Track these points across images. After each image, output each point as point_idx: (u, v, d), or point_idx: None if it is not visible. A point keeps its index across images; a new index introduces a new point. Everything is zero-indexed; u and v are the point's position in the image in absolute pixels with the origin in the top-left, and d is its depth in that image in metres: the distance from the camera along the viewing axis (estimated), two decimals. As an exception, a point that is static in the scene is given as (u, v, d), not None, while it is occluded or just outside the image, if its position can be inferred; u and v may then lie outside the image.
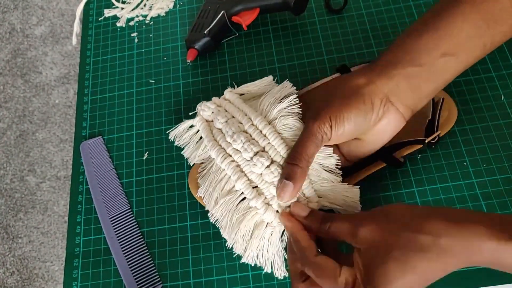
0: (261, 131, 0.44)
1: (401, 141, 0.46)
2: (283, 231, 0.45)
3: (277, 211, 0.43)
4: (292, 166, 0.40)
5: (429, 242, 0.33)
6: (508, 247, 0.32)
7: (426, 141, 0.45)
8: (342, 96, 0.40)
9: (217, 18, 0.58)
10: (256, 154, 0.43)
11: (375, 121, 0.40)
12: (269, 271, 0.45)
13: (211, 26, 0.58)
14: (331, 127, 0.39)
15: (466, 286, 0.43)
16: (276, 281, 0.46)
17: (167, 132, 0.50)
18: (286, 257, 0.45)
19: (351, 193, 0.43)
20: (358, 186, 0.43)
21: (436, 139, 0.45)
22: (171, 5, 0.65)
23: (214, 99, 0.49)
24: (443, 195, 0.47)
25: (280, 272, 0.44)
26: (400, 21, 0.58)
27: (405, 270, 0.33)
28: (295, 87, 0.46)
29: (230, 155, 0.44)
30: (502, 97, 0.51)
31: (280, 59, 0.58)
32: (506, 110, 0.50)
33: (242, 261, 0.44)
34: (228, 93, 0.49)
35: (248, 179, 0.43)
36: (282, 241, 0.45)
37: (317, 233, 0.40)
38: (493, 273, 0.43)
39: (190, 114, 0.52)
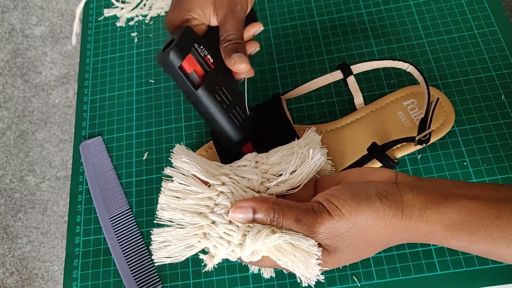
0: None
1: (393, 140, 0.46)
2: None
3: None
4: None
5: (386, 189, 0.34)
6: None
7: (417, 138, 0.45)
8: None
9: None
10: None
11: None
12: (256, 271, 0.45)
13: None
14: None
15: (466, 286, 0.43)
16: (276, 281, 0.46)
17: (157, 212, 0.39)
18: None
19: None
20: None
21: (427, 136, 0.45)
22: (170, 5, 0.65)
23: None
24: (443, 195, 0.47)
25: (268, 272, 0.44)
26: (400, 21, 0.58)
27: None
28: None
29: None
30: (502, 96, 0.51)
31: (280, 59, 0.58)
32: (507, 109, 0.50)
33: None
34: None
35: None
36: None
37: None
38: (493, 273, 0.43)
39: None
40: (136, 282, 0.48)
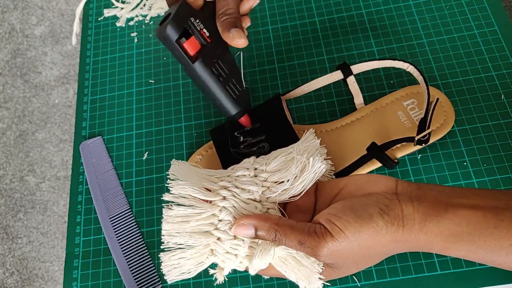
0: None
1: (392, 140, 0.46)
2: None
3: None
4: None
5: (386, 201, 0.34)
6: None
7: (416, 138, 0.45)
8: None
9: None
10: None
11: None
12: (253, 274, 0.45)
13: None
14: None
15: (466, 286, 0.43)
16: (276, 281, 0.46)
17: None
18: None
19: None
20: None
21: (427, 136, 0.45)
22: (170, 5, 0.65)
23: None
24: (443, 195, 0.47)
25: None
26: (400, 21, 0.58)
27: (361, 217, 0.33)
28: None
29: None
30: (502, 96, 0.51)
31: (280, 59, 0.58)
32: (506, 109, 0.50)
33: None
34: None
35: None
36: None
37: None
38: (493, 273, 0.43)
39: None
40: (136, 282, 0.48)
